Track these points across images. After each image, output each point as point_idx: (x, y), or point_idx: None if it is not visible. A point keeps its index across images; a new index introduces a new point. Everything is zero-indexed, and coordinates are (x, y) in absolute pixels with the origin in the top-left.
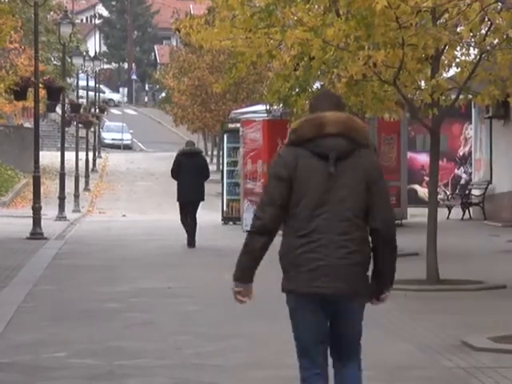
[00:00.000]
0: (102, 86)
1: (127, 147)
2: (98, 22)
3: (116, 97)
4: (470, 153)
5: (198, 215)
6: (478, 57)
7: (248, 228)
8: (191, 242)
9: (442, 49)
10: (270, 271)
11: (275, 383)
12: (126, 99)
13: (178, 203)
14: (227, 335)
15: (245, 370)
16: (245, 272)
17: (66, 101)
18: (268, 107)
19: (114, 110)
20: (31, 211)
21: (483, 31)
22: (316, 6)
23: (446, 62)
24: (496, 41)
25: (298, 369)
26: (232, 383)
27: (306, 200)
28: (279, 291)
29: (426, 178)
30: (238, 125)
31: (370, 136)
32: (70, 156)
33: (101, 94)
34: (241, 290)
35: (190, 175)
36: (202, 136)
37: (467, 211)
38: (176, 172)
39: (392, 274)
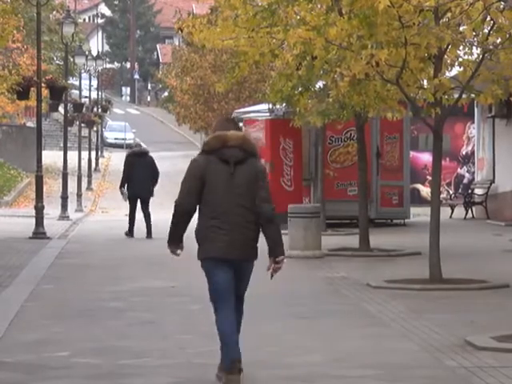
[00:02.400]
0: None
1: (130, 147)
2: (100, 21)
3: None
4: (472, 152)
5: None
6: (481, 56)
7: None
8: (131, 232)
9: (445, 48)
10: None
11: (277, 383)
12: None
13: (128, 200)
14: None
15: (247, 369)
16: (175, 238)
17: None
18: (271, 106)
19: (117, 110)
20: (34, 211)
21: (486, 30)
22: (318, 5)
23: (448, 61)
24: (499, 40)
25: (213, 311)
26: None
27: (214, 192)
28: (281, 293)
29: (429, 178)
30: (241, 124)
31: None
32: (72, 155)
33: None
34: (174, 250)
35: (141, 173)
36: (205, 135)
37: (470, 210)
38: (127, 173)
39: (279, 240)
